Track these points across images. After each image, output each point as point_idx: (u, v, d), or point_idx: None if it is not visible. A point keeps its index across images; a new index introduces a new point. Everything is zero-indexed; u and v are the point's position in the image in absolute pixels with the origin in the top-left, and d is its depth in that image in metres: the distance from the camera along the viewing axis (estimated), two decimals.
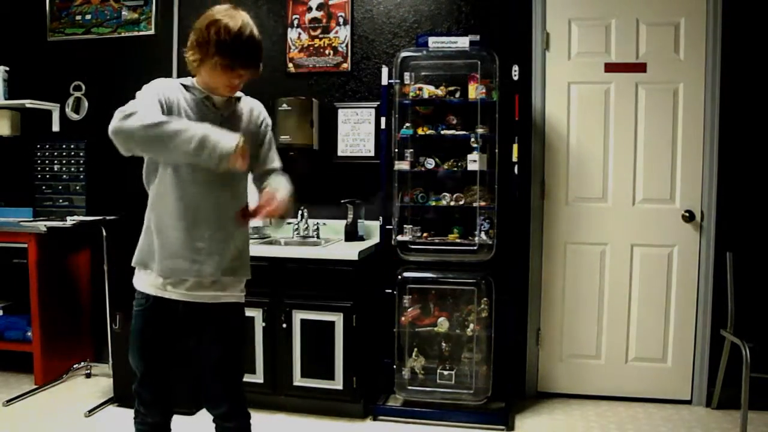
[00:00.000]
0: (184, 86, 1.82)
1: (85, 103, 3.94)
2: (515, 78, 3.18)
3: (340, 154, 3.65)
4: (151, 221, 1.82)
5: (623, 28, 3.33)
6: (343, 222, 3.49)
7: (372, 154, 3.58)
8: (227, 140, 1.61)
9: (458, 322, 3.31)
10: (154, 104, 1.69)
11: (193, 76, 1.84)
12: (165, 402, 1.95)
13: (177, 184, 1.77)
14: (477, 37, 3.15)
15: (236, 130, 1.74)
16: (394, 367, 3.29)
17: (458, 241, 3.29)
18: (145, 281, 1.86)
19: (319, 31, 3.66)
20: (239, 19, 1.72)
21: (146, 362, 1.89)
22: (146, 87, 1.77)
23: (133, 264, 1.88)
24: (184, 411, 3.02)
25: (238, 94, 1.91)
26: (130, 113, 1.60)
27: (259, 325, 3.17)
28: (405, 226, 3.31)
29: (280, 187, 1.86)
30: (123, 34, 3.92)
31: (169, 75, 3.75)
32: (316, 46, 3.67)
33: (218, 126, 1.70)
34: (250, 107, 1.95)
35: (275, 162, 1.99)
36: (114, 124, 1.60)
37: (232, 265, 1.87)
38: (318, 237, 3.56)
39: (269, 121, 2.00)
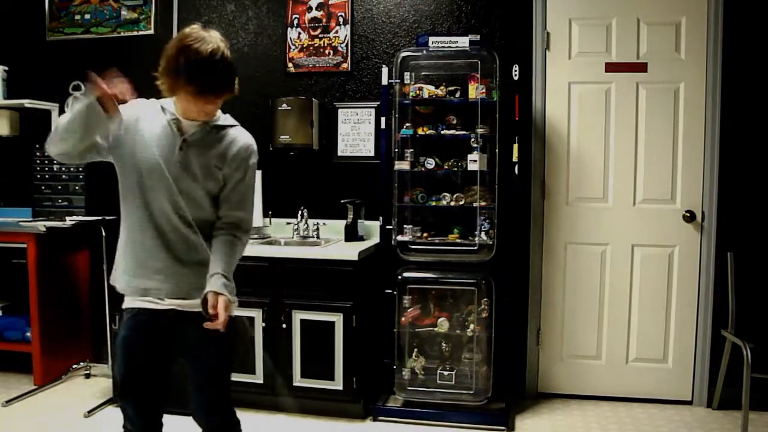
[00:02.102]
0: (162, 107, 1.80)
1: None
2: (515, 78, 3.17)
3: (340, 154, 3.64)
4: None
5: (624, 27, 3.33)
6: (343, 222, 3.49)
7: (372, 154, 3.58)
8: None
9: (458, 323, 3.30)
10: None
11: None
12: (149, 417, 1.90)
13: (132, 209, 1.81)
14: (477, 37, 3.14)
15: (198, 159, 1.77)
16: (394, 367, 3.29)
17: (458, 241, 3.29)
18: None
19: (319, 30, 3.65)
20: (210, 43, 1.63)
21: (125, 373, 1.85)
22: None
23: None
24: (183, 411, 3.01)
25: (228, 121, 1.85)
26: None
27: (259, 325, 3.16)
28: (405, 226, 3.30)
29: (215, 288, 1.71)
30: (122, 34, 3.91)
31: None
32: (316, 45, 3.66)
33: (178, 150, 1.75)
34: (232, 141, 1.82)
35: (236, 211, 1.83)
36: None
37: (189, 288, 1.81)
38: (318, 237, 3.55)
39: (250, 163, 1.84)
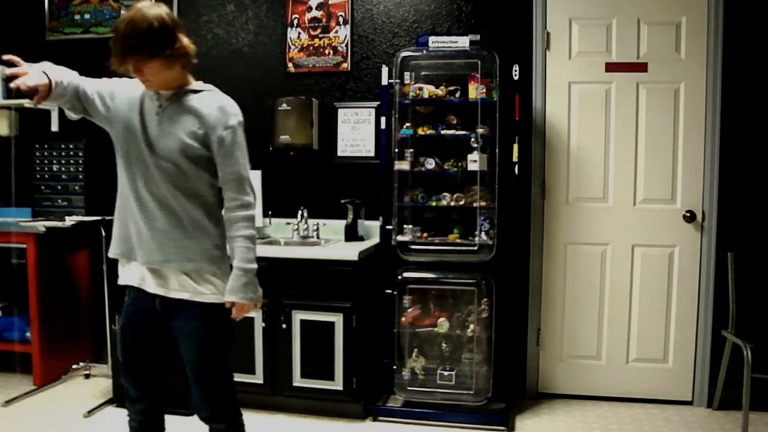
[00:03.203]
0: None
1: None
2: (515, 78, 3.17)
3: (340, 154, 3.64)
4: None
5: (624, 27, 3.33)
6: (343, 222, 3.48)
7: (372, 154, 3.57)
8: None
9: (458, 323, 3.30)
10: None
11: None
12: (148, 400, 1.98)
13: (121, 176, 1.90)
14: (477, 37, 3.14)
15: (172, 122, 1.84)
16: (394, 367, 3.28)
17: (458, 241, 3.29)
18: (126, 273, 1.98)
19: (319, 30, 3.65)
20: (127, 14, 1.75)
21: (125, 356, 1.97)
22: None
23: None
24: (183, 412, 3.01)
25: (204, 87, 1.91)
26: None
27: (258, 325, 3.16)
28: (405, 226, 3.30)
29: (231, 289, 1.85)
30: None
31: None
32: (316, 45, 3.66)
33: (155, 115, 1.84)
34: (207, 102, 1.86)
35: (228, 169, 1.85)
36: None
37: (164, 256, 1.85)
38: (318, 237, 3.55)
39: (228, 123, 1.85)
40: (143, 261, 1.86)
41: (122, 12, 3.88)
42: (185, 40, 1.82)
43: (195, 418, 1.98)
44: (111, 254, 1.95)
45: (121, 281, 1.97)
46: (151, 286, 1.89)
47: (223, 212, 1.90)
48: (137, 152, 1.83)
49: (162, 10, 1.77)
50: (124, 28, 1.72)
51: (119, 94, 1.90)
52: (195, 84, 1.91)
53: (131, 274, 1.93)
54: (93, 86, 1.90)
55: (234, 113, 1.88)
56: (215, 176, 1.88)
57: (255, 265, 1.88)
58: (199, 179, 1.85)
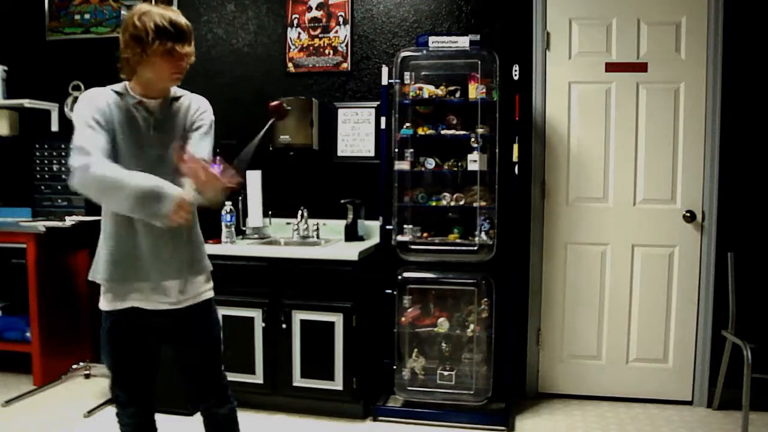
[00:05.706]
0: (117, 93, 1.79)
1: None
2: (515, 78, 3.17)
3: (340, 154, 3.64)
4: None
5: (624, 27, 3.33)
6: (343, 222, 3.48)
7: (372, 154, 3.57)
8: (169, 198, 1.63)
9: (458, 323, 3.30)
10: (96, 137, 1.69)
11: (126, 80, 1.82)
12: (140, 403, 1.98)
13: None
14: (477, 37, 3.14)
15: (170, 133, 1.80)
16: (394, 367, 3.29)
17: (458, 241, 3.29)
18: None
19: (319, 30, 3.65)
20: (167, 8, 1.76)
21: (116, 363, 1.94)
22: (81, 110, 1.73)
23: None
24: (183, 411, 3.02)
25: (180, 92, 1.89)
26: (82, 165, 1.63)
27: (258, 325, 3.16)
28: (405, 226, 3.30)
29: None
30: None
31: None
32: (315, 45, 3.66)
33: (152, 131, 1.77)
34: (189, 103, 1.89)
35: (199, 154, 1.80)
36: (73, 181, 1.66)
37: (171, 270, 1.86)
38: (318, 237, 3.55)
39: (208, 114, 1.90)
40: (156, 279, 1.83)
41: (122, 12, 3.89)
42: None
43: (195, 417, 1.99)
44: (107, 280, 1.89)
45: (114, 306, 1.91)
46: (155, 303, 1.86)
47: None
48: (142, 168, 1.75)
49: None
50: (180, 20, 1.72)
51: (106, 118, 1.76)
52: (175, 91, 1.89)
53: (129, 297, 1.88)
54: (106, 145, 1.74)
55: (209, 108, 1.93)
56: None
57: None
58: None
